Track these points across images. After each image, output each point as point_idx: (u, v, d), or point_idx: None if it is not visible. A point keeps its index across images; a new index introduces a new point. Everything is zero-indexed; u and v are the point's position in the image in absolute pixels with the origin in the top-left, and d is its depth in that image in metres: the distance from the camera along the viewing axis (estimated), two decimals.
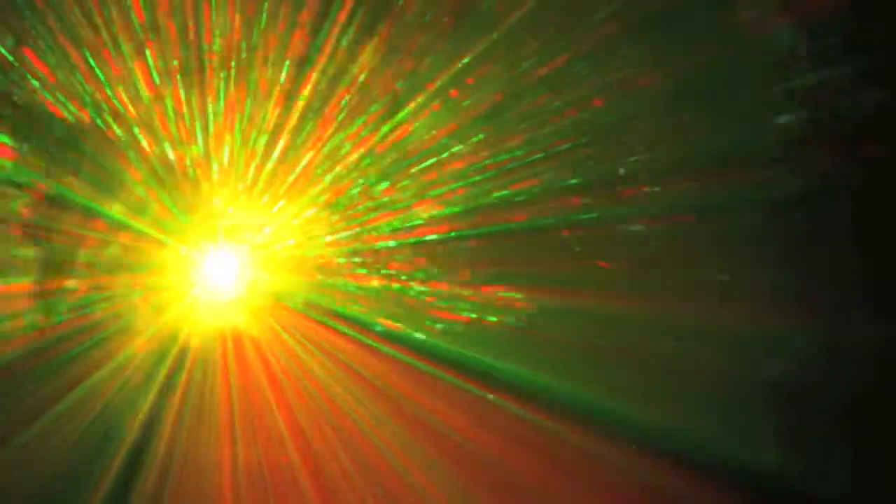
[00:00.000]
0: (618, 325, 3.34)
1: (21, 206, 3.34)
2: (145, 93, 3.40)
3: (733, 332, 3.27)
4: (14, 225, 3.34)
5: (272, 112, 3.47)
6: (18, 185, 3.33)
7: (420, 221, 3.53)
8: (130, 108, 3.41)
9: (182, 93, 3.42)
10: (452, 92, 3.41)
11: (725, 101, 3.32)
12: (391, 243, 3.55)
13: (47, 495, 3.21)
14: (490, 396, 3.38)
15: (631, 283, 3.38)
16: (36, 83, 3.30)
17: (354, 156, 3.51)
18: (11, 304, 3.36)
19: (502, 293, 3.49)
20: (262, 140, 3.50)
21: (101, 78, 3.35)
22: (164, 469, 3.31)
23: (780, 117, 3.26)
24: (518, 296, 3.47)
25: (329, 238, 3.60)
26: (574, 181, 3.42)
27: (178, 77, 3.40)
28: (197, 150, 3.50)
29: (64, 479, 3.22)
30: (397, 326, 3.50)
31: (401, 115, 3.46)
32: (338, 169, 3.53)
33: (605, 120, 3.38)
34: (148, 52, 3.36)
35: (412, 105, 3.44)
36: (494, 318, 3.48)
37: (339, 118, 3.48)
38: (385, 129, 3.48)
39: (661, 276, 3.35)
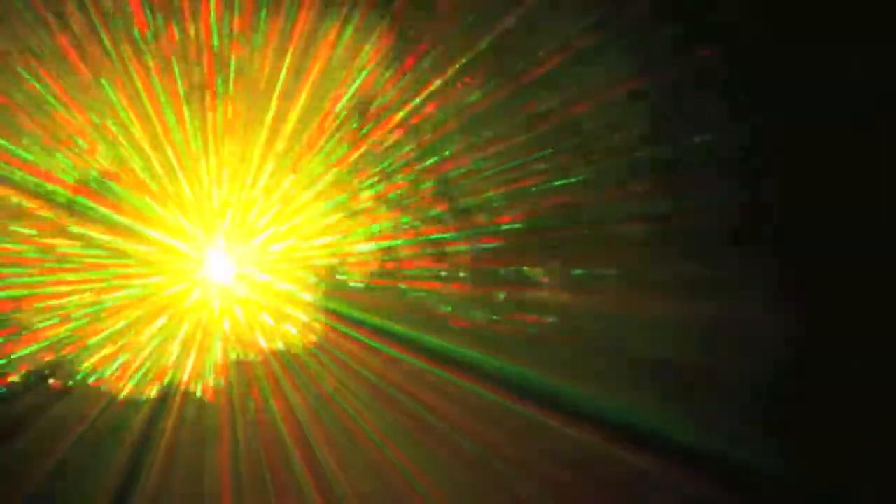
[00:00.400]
0: (615, 324, 3.35)
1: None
2: (143, 92, 3.40)
3: (732, 331, 3.28)
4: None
5: (272, 112, 3.47)
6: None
7: (422, 220, 3.53)
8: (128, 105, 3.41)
9: (181, 92, 3.42)
10: (453, 91, 3.41)
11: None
12: (394, 242, 3.55)
13: (47, 495, 3.21)
14: (497, 397, 3.39)
15: (626, 283, 3.39)
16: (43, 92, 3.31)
17: (357, 154, 3.51)
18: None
19: (505, 293, 3.49)
20: (263, 140, 3.50)
21: (103, 82, 3.35)
22: (164, 470, 3.31)
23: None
24: (523, 296, 3.48)
25: (330, 238, 3.59)
26: (573, 180, 3.42)
27: (177, 75, 3.40)
28: (197, 149, 3.49)
29: (64, 480, 3.23)
30: (402, 327, 3.50)
31: (402, 113, 3.45)
32: (339, 167, 3.53)
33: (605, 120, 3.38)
34: (144, 47, 3.35)
35: (412, 104, 3.44)
36: (501, 319, 3.49)
37: (341, 117, 3.47)
38: (386, 127, 3.47)
39: (654, 275, 3.36)
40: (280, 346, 3.55)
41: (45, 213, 3.37)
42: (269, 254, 3.61)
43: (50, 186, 3.36)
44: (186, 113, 3.42)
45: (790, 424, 3.25)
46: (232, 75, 3.40)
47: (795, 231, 3.30)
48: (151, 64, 3.35)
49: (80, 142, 3.37)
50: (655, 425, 3.25)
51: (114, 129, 3.39)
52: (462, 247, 3.50)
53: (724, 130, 3.35)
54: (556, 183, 3.43)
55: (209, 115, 3.43)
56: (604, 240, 3.39)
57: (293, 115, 3.45)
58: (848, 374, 3.21)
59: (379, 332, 3.49)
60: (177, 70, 3.37)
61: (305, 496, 3.35)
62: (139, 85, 3.36)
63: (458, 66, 3.36)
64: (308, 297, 3.58)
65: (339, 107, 3.45)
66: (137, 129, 3.40)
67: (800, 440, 3.22)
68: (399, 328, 3.49)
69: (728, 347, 3.26)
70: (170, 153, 3.45)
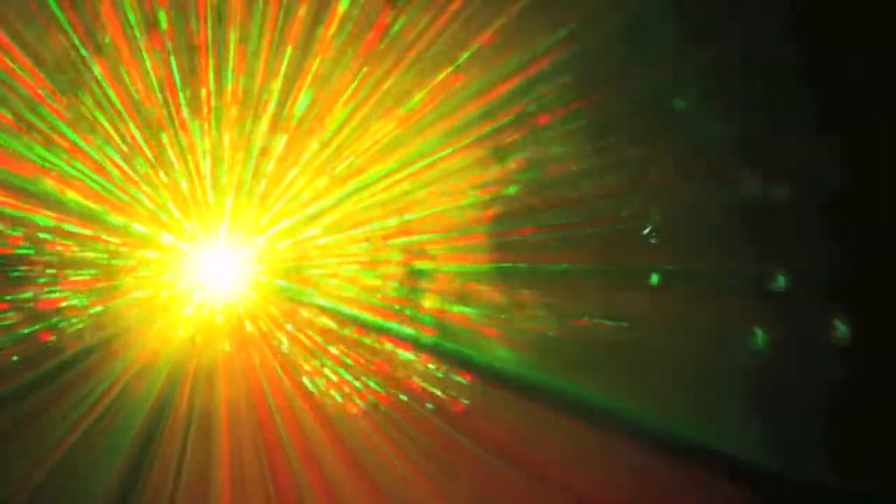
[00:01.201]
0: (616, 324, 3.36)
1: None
2: (141, 86, 3.38)
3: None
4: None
5: (273, 107, 3.45)
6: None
7: (424, 220, 3.53)
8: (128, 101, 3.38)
9: (178, 87, 3.40)
10: (452, 82, 3.40)
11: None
12: (396, 242, 3.54)
13: (48, 496, 3.18)
14: (497, 393, 3.38)
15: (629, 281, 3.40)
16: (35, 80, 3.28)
17: (359, 150, 3.50)
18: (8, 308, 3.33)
19: (499, 291, 3.49)
20: (263, 136, 3.49)
21: (96, 72, 3.32)
22: (163, 477, 3.29)
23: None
24: (515, 293, 3.48)
25: (333, 238, 3.58)
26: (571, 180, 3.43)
27: (174, 70, 3.38)
28: (197, 145, 3.47)
29: (65, 480, 3.20)
30: (407, 328, 3.49)
31: (404, 109, 3.45)
32: (343, 165, 3.52)
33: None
34: (143, 46, 3.33)
35: (412, 101, 3.43)
36: (495, 318, 3.48)
37: (344, 113, 3.47)
38: (387, 124, 3.47)
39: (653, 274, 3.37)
40: (283, 347, 3.53)
41: (36, 212, 3.34)
42: (272, 254, 3.60)
43: (39, 184, 3.34)
44: (181, 98, 3.40)
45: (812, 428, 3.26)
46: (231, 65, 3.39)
47: (803, 231, 3.31)
48: (146, 54, 3.33)
49: (70, 136, 3.35)
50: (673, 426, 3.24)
51: (104, 122, 3.37)
52: (468, 244, 3.51)
53: (727, 131, 3.37)
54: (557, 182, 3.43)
55: (205, 98, 3.41)
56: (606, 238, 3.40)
57: (297, 108, 3.45)
58: (853, 374, 3.22)
59: (387, 334, 3.49)
60: (173, 60, 3.35)
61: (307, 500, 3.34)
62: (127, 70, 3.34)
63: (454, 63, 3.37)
64: (312, 298, 3.57)
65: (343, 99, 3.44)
66: (130, 119, 3.38)
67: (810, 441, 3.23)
68: (408, 330, 3.49)
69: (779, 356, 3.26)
70: (164, 140, 3.43)
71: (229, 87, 3.40)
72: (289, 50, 3.37)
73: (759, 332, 3.28)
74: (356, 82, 3.41)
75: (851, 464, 3.12)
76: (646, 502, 3.22)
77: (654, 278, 3.36)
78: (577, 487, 3.23)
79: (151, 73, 3.34)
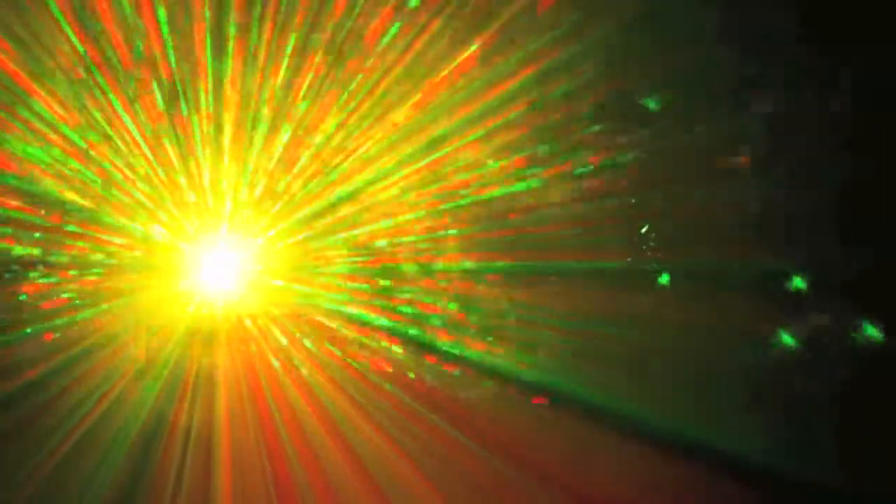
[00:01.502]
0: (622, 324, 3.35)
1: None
2: (144, 87, 3.37)
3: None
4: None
5: (273, 108, 3.45)
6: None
7: (423, 219, 3.52)
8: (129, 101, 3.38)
9: (178, 86, 3.40)
10: (452, 82, 3.40)
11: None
12: (396, 241, 3.53)
13: (48, 496, 3.18)
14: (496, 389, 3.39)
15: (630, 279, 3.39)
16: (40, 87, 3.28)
17: (360, 151, 3.50)
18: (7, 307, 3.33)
19: (493, 290, 3.49)
20: (263, 136, 3.48)
21: (95, 71, 3.31)
22: (164, 477, 3.29)
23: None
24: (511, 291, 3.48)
25: (332, 238, 3.58)
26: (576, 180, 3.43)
27: (174, 70, 3.37)
28: (196, 145, 3.47)
29: (65, 481, 3.20)
30: (408, 327, 3.49)
31: (404, 109, 3.44)
32: (344, 165, 3.51)
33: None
34: (142, 48, 3.33)
35: (413, 101, 3.43)
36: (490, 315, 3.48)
37: (343, 113, 3.46)
38: (388, 125, 3.46)
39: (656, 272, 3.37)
40: (283, 348, 3.53)
41: (36, 213, 3.34)
42: (272, 253, 3.59)
43: (39, 184, 3.33)
44: (181, 98, 3.40)
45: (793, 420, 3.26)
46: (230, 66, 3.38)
47: (803, 231, 3.31)
48: (145, 52, 3.32)
49: (69, 135, 3.34)
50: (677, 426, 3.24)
51: (103, 122, 3.36)
52: (468, 243, 3.50)
53: (727, 130, 3.37)
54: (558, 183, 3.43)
55: (205, 99, 3.41)
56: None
57: (297, 109, 3.45)
58: (854, 374, 3.22)
59: (388, 334, 3.49)
60: (173, 60, 3.35)
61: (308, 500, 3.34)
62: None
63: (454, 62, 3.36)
64: (312, 298, 3.56)
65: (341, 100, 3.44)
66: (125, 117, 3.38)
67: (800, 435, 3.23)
68: (407, 329, 3.49)
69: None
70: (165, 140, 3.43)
71: (229, 87, 3.40)
72: (288, 50, 3.36)
73: (759, 332, 3.28)
74: (355, 83, 3.40)
75: (851, 464, 3.12)
76: (646, 502, 3.22)
77: (656, 278, 3.36)
78: (577, 487, 3.23)
79: (152, 72, 3.34)
